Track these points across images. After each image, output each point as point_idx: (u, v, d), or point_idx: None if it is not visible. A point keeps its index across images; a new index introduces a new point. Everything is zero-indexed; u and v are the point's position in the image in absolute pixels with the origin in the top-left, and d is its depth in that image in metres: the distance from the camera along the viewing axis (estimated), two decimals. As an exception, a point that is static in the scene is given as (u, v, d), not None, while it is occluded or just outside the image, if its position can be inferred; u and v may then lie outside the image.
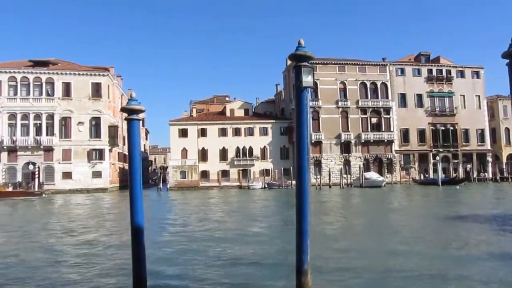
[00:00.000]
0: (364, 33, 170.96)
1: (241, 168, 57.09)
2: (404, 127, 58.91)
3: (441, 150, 58.82)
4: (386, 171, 56.80)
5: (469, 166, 59.27)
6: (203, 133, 57.57)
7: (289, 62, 55.36)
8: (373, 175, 51.80)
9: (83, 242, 13.33)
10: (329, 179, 51.82)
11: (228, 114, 61.41)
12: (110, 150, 52.22)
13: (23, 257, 10.88)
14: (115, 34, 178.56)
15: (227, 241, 12.97)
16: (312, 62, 6.19)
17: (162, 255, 10.75)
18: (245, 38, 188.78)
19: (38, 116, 49.19)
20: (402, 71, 60.15)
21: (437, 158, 54.95)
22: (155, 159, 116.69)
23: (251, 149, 57.55)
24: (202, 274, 8.60)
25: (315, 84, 54.73)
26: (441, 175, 51.10)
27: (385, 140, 57.90)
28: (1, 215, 24.74)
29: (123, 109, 6.50)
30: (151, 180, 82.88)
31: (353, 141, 57.31)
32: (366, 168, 55.19)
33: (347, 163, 56.57)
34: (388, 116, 58.74)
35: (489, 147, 61.19)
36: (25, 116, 48.92)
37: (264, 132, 58.44)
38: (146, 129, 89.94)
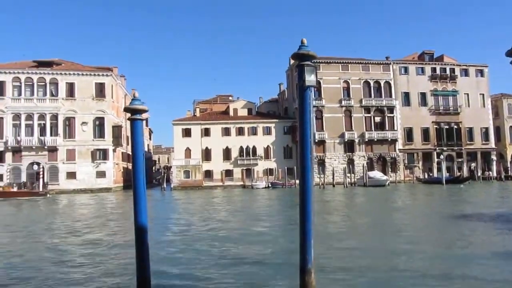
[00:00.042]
0: (364, 33, 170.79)
1: (244, 168, 57.08)
2: (408, 126, 58.73)
3: (445, 148, 58.58)
4: (390, 170, 56.64)
5: (473, 164, 59.03)
6: (206, 132, 57.60)
7: (292, 61, 55.21)
8: (376, 174, 51.70)
9: (88, 242, 13.37)
10: (333, 178, 51.75)
11: (231, 113, 61.40)
12: (114, 150, 52.31)
13: (28, 257, 10.93)
14: (117, 35, 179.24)
15: (231, 240, 12.98)
16: (315, 61, 6.18)
17: (166, 254, 10.77)
18: (246, 38, 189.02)
19: (42, 117, 49.36)
20: (406, 70, 59.96)
21: (441, 157, 54.76)
22: (158, 159, 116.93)
23: (254, 148, 57.54)
24: (206, 274, 8.61)
25: (319, 83, 54.72)
26: (445, 174, 50.88)
27: (389, 139, 57.74)
28: (6, 215, 24.85)
29: (126, 109, 6.51)
30: (155, 179, 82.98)
31: (356, 140, 57.19)
32: (370, 167, 55.07)
33: (350, 162, 56.46)
34: (391, 115, 58.58)
35: (493, 146, 60.92)
36: (29, 117, 49.10)
37: (267, 131, 58.41)
38: (149, 128, 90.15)
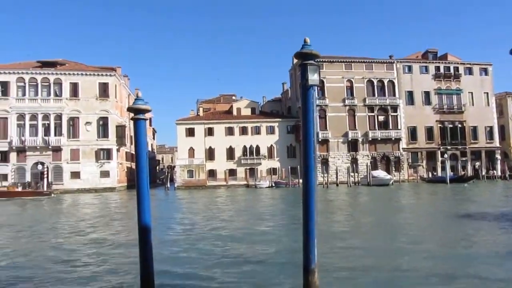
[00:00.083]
0: (364, 33, 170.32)
1: (248, 167, 57.10)
2: (412, 125, 58.55)
3: (449, 147, 58.37)
4: (393, 169, 56.50)
5: (477, 163, 58.78)
6: (210, 132, 57.65)
7: (295, 60, 55.23)
8: (380, 173, 51.57)
9: (92, 241, 13.42)
10: (336, 177, 51.69)
11: (234, 113, 61.42)
12: (118, 150, 52.47)
13: (33, 256, 10.98)
14: (118, 35, 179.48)
15: (235, 240, 12.99)
16: (318, 60, 6.18)
17: (169, 254, 10.79)
18: (246, 37, 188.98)
19: (46, 117, 49.56)
20: (410, 69, 59.79)
21: (445, 156, 54.56)
22: (162, 159, 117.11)
23: (258, 148, 57.54)
24: (209, 273, 8.62)
25: (322, 82, 54.60)
26: (449, 173, 50.71)
27: (393, 138, 57.60)
28: (10, 214, 24.97)
29: (129, 109, 6.52)
30: (159, 179, 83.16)
31: (360, 139, 57.08)
32: (374, 166, 54.94)
33: (354, 161, 56.35)
34: (395, 114, 58.43)
35: (497, 145, 60.64)
36: (34, 117, 49.31)
37: (271, 130, 58.40)
38: (153, 128, 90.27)
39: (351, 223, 17.32)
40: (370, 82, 58.34)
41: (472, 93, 60.56)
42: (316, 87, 5.94)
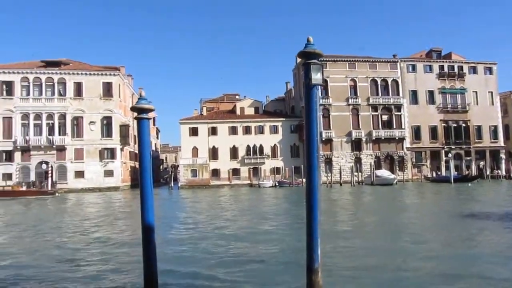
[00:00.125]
0: (364, 32, 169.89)
1: (251, 166, 57.11)
2: (416, 124, 58.38)
3: (453, 147, 58.16)
4: (397, 168, 56.37)
5: (482, 163, 58.53)
6: (213, 131, 57.68)
7: (298, 60, 55.16)
8: (384, 172, 51.44)
9: (95, 240, 13.46)
10: (340, 177, 51.58)
11: (238, 112, 61.44)
12: (122, 149, 52.59)
13: (37, 255, 11.02)
14: (121, 35, 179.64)
15: (238, 239, 12.99)
16: (321, 59, 6.16)
17: (173, 253, 10.81)
18: (247, 37, 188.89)
19: (50, 116, 49.74)
20: (413, 68, 59.59)
21: (450, 155, 54.36)
22: (166, 158, 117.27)
23: (261, 147, 57.54)
24: (213, 272, 8.63)
25: (325, 81, 54.57)
26: (453, 172, 50.47)
27: (396, 138, 57.45)
28: (15, 214, 25.07)
29: (132, 108, 6.53)
30: (162, 178, 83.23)
31: (364, 139, 56.97)
32: (377, 165, 54.80)
33: (358, 160, 56.25)
34: (399, 113, 58.27)
35: (502, 144, 60.35)
36: (38, 116, 49.49)
37: (274, 130, 58.38)
38: (157, 128, 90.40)
39: (354, 222, 17.28)
40: (374, 81, 58.20)
41: (476, 92, 60.30)
42: (319, 86, 5.92)
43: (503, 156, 59.78)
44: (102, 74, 51.74)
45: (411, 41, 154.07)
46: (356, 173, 52.31)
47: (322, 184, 46.32)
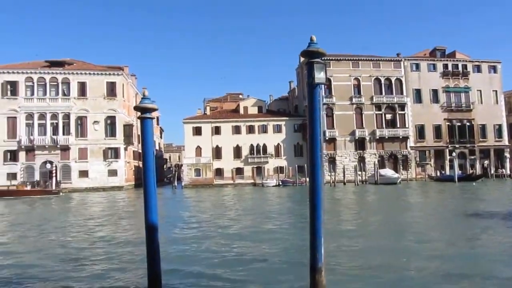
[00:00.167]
0: (365, 32, 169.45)
1: (255, 166, 57.11)
2: (420, 123, 58.20)
3: (457, 146, 57.97)
4: (401, 167, 56.21)
5: (486, 162, 58.27)
6: (217, 131, 57.71)
7: (302, 59, 55.08)
8: (388, 171, 51.32)
9: (100, 239, 13.50)
10: (344, 176, 51.52)
11: (241, 111, 61.46)
12: (125, 149, 52.73)
13: (41, 254, 11.06)
14: (123, 35, 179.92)
15: (242, 238, 13.00)
16: (324, 58, 6.16)
17: (176, 252, 10.82)
18: (248, 37, 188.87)
19: (54, 116, 49.92)
20: (417, 67, 59.41)
21: (454, 154, 54.18)
22: (169, 157, 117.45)
23: (265, 146, 57.54)
24: (217, 272, 8.64)
25: (329, 80, 54.51)
26: (457, 171, 50.28)
27: (400, 137, 57.30)
28: (19, 213, 25.19)
29: (136, 108, 6.54)
30: (166, 178, 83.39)
31: (367, 138, 56.86)
32: (381, 165, 54.69)
33: (361, 160, 56.13)
34: (403, 112, 58.11)
35: (506, 143, 60.08)
36: (42, 116, 49.69)
37: (277, 129, 58.36)
38: (160, 127, 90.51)
39: (358, 221, 17.26)
40: (378, 80, 58.05)
41: (480, 91, 60.06)
42: (322, 85, 5.92)
43: (507, 155, 59.50)
44: (106, 74, 51.87)
45: (411, 41, 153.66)
46: (359, 172, 52.20)
47: (326, 183, 46.28)
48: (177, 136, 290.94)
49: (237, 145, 57.31)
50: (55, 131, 49.57)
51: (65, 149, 49.46)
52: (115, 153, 51.16)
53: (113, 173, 50.60)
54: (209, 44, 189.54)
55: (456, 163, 51.09)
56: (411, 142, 57.68)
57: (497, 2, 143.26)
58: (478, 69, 60.70)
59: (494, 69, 61.32)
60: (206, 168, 56.55)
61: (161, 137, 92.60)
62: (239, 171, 57.05)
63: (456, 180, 46.50)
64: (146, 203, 6.25)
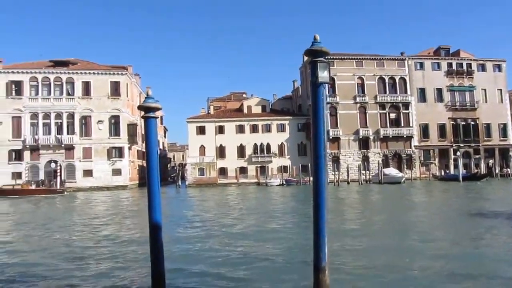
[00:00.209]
0: (365, 32, 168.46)
1: (259, 165, 57.11)
2: (424, 122, 58.01)
3: (462, 145, 57.73)
4: (405, 167, 56.05)
5: (491, 161, 58.04)
6: (220, 130, 57.74)
7: (305, 58, 55.02)
8: (392, 171, 51.15)
9: (104, 238, 13.55)
10: (348, 175, 51.41)
11: (245, 111, 61.46)
12: (129, 148, 52.87)
13: (46, 253, 11.11)
14: (120, 35, 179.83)
15: (245, 237, 13.01)
16: (328, 57, 6.15)
17: (180, 251, 10.84)
18: (248, 37, 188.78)
19: (59, 115, 50.13)
20: (421, 65, 59.19)
21: (458, 153, 53.96)
22: (173, 156, 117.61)
23: (268, 145, 57.52)
24: (220, 271, 8.65)
25: (333, 79, 54.41)
26: (462, 170, 50.08)
27: (404, 136, 57.15)
28: (24, 212, 25.31)
29: (140, 107, 6.55)
30: (170, 177, 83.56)
31: (371, 137, 56.73)
32: (385, 164, 54.50)
33: (365, 159, 56.02)
34: (407, 111, 57.93)
35: (511, 142, 59.82)
36: (47, 116, 49.90)
37: (281, 128, 58.33)
38: (164, 126, 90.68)
39: (362, 221, 17.22)
40: (381, 79, 57.90)
41: (485, 89, 59.79)
42: (326, 84, 5.91)
43: (512, 154, 59.21)
44: (110, 74, 52.02)
45: (412, 41, 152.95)
46: (363, 172, 52.04)
47: (330, 182, 46.22)
48: (181, 135, 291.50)
49: (241, 145, 57.33)
50: (59, 130, 49.79)
51: (70, 148, 49.66)
52: (119, 152, 51.32)
53: (117, 172, 50.76)
54: (209, 44, 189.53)
55: (460, 162, 50.91)
56: (415, 141, 57.51)
57: (497, 2, 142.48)
58: (482, 67, 60.43)
59: (499, 67, 61.03)
60: (210, 167, 56.61)
61: (165, 136, 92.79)
62: (243, 171, 57.08)
63: (461, 179, 46.33)
64: (150, 202, 6.26)
